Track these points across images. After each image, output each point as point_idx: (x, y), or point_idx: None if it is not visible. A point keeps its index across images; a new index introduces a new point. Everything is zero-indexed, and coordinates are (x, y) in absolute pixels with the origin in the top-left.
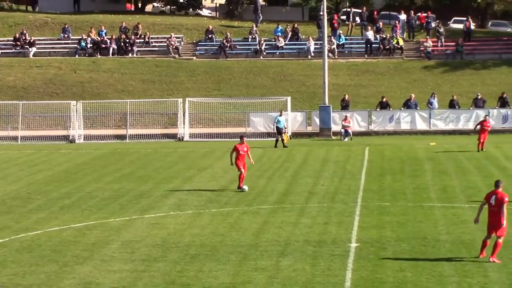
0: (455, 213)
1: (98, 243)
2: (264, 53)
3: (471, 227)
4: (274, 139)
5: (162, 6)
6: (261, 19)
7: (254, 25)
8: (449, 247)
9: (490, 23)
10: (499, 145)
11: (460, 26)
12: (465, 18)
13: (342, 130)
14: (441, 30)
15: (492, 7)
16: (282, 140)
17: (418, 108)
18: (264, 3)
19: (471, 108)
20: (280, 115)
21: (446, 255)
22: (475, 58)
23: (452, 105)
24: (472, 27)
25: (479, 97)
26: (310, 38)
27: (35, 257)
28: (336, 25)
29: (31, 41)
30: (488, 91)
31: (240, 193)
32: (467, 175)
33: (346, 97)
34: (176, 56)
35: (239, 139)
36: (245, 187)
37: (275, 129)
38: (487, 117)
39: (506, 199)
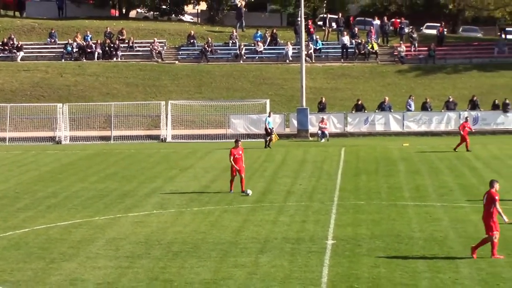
0: (428, 212)
1: (83, 241)
2: (244, 58)
3: (443, 225)
4: (254, 139)
5: (146, 12)
6: (244, 24)
7: (235, 30)
8: (422, 244)
9: (461, 28)
10: (470, 146)
11: (433, 31)
12: (437, 24)
13: (319, 132)
14: (414, 35)
15: (463, 13)
16: (271, 140)
17: (392, 111)
18: (244, 9)
19: (443, 110)
20: (269, 116)
21: (419, 252)
22: (447, 63)
23: (424, 107)
24: (444, 32)
25: (451, 100)
26: (288, 43)
27: (23, 254)
28: (312, 30)
29: (19, 45)
30: (459, 94)
31: (221, 193)
32: (439, 175)
33: (323, 99)
34: (159, 60)
35: (234, 143)
36: (249, 191)
37: (265, 129)
38: (467, 118)
39: (497, 197)
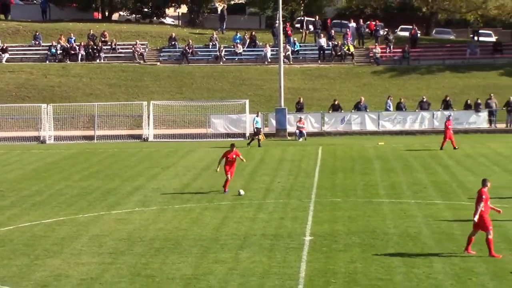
0: (402, 208)
1: (67, 238)
2: (224, 59)
3: (417, 221)
4: (233, 139)
5: (128, 14)
6: (225, 27)
7: (215, 33)
8: (397, 240)
9: (434, 31)
10: (446, 144)
11: (407, 33)
12: (411, 26)
13: (297, 131)
14: (390, 37)
15: (436, 16)
16: (259, 140)
17: (367, 110)
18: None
19: (416, 110)
20: (257, 116)
21: (394, 248)
22: (421, 64)
23: (399, 107)
24: (418, 34)
25: (424, 100)
26: (267, 45)
27: (7, 251)
28: (289, 32)
29: (4, 47)
30: (433, 94)
31: (201, 190)
32: (413, 172)
33: (301, 100)
34: (141, 61)
35: (229, 147)
36: (242, 191)
37: (254, 129)
38: (450, 116)
39: (484, 196)
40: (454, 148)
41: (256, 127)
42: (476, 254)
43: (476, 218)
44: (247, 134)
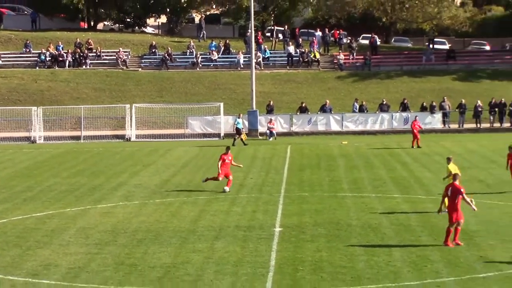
0: (364, 202)
1: (56, 230)
2: (200, 65)
3: (377, 214)
4: (209, 139)
5: (112, 24)
6: (204, 35)
7: (192, 41)
8: (359, 231)
9: (393, 39)
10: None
11: (368, 42)
12: (371, 35)
13: (268, 131)
14: (353, 45)
15: (395, 25)
16: (241, 139)
17: (332, 112)
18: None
19: (377, 112)
20: (239, 117)
21: (356, 238)
22: (381, 69)
23: (361, 109)
24: (378, 42)
25: (384, 102)
26: (240, 52)
27: (1, 242)
28: (260, 40)
29: None
30: (392, 97)
31: (180, 186)
32: (374, 169)
33: (271, 102)
34: (124, 67)
35: (225, 150)
36: (227, 189)
37: (235, 130)
38: (416, 117)
39: (462, 189)
40: (413, 147)
41: (237, 127)
42: (431, 243)
43: (475, 208)
44: (222, 134)
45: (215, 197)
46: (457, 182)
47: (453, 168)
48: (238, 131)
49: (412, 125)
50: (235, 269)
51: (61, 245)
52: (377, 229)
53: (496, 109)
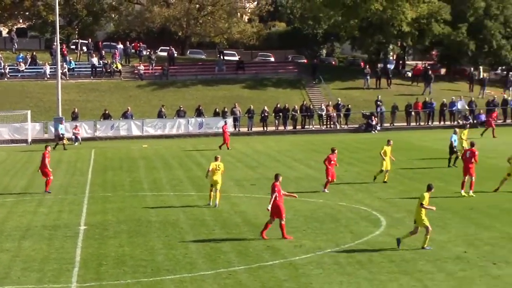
0: (163, 200)
1: None
2: (8, 76)
3: (175, 210)
4: (16, 144)
5: None
6: (17, 47)
7: None
8: (158, 226)
9: (188, 51)
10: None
11: (165, 54)
12: (169, 48)
13: (73, 137)
14: (152, 57)
15: (190, 39)
16: (63, 144)
17: (133, 118)
18: (7, 35)
19: (174, 117)
20: (61, 124)
21: (156, 233)
22: (178, 79)
23: (160, 115)
24: (175, 54)
25: (181, 109)
26: (46, 63)
27: None
28: (65, 52)
29: None
30: (188, 104)
31: None
32: (172, 169)
33: (76, 110)
34: None
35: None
36: (217, 203)
37: (60, 135)
38: (226, 122)
39: (276, 189)
40: (228, 148)
41: (61, 133)
42: (224, 236)
43: (269, 207)
44: (29, 140)
45: (23, 199)
46: (277, 182)
47: None
48: (62, 137)
49: (223, 128)
50: (42, 265)
51: None
52: (175, 224)
53: (281, 114)
